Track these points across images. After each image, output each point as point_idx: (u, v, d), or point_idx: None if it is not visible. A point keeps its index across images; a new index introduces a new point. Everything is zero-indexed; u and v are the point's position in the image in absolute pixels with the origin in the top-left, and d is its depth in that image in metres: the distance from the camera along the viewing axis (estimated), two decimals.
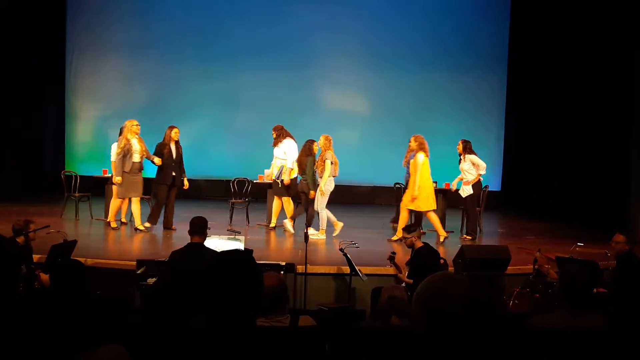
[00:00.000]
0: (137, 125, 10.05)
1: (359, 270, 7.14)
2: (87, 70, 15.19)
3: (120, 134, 10.61)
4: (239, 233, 9.11)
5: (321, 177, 9.89)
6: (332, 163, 9.84)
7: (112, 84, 15.28)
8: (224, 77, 15.02)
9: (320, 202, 9.90)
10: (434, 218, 9.88)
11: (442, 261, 7.11)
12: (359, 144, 15.04)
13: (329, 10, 15.03)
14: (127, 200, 10.16)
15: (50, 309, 3.82)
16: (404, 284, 6.69)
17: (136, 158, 9.94)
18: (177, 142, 10.33)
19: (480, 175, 10.40)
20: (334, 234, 9.97)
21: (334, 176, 9.98)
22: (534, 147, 14.19)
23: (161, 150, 10.16)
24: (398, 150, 14.92)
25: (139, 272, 6.88)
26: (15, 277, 5.69)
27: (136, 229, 10.01)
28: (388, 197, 12.81)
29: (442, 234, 9.92)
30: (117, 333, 3.49)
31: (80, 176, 11.50)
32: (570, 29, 12.93)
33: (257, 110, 14.73)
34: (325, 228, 10.02)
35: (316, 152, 10.25)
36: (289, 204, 10.52)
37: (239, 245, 7.05)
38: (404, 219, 9.84)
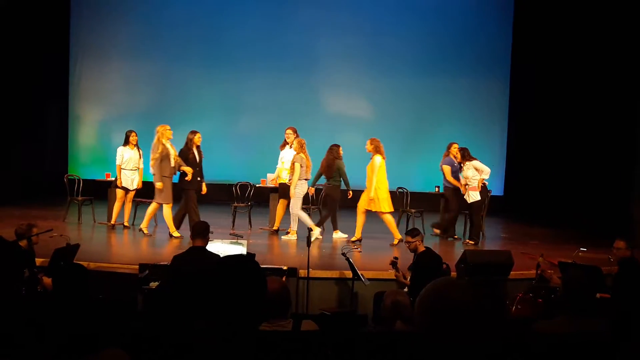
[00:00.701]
0: (169, 130, 10.01)
1: (362, 274, 7.13)
2: (90, 74, 15.22)
3: (126, 140, 10.61)
4: (242, 237, 9.13)
5: (292, 180, 10.03)
6: (301, 166, 9.92)
7: (115, 87, 15.31)
8: (227, 81, 15.05)
9: (294, 204, 10.02)
10: (390, 220, 10.11)
11: (444, 266, 7.10)
12: (361, 148, 14.98)
13: (332, 15, 15.05)
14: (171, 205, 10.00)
15: (53, 313, 3.82)
16: (406, 289, 6.69)
17: (172, 162, 9.90)
18: (198, 147, 10.30)
19: (484, 179, 10.41)
20: (286, 237, 10.16)
21: (305, 179, 10.05)
22: (537, 151, 14.18)
23: (186, 156, 10.10)
24: (401, 155, 14.97)
25: (141, 276, 6.88)
26: (18, 280, 5.70)
27: (140, 229, 10.06)
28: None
29: (397, 236, 10.02)
30: (119, 337, 3.49)
31: (83, 180, 11.51)
32: (574, 32, 12.93)
33: (260, 114, 14.76)
34: (296, 229, 10.15)
35: (342, 156, 10.46)
36: None
37: (242, 249, 7.04)
38: (361, 222, 10.14)
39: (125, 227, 10.59)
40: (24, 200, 13.07)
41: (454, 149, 10.81)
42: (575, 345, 3.37)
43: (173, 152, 9.93)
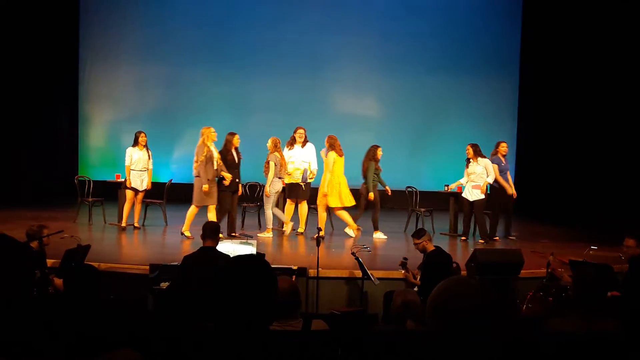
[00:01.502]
0: (214, 132, 9.99)
1: (371, 274, 7.13)
2: (100, 76, 15.31)
3: (135, 140, 10.62)
4: (251, 237, 9.14)
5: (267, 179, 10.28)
6: (275, 165, 10.10)
7: (125, 89, 15.39)
8: (235, 82, 15.09)
9: (266, 202, 10.24)
10: (344, 214, 10.32)
11: (454, 265, 7.08)
12: (368, 146, 15.00)
13: (339, 14, 15.06)
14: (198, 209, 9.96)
15: (64, 314, 3.84)
16: (415, 289, 6.67)
17: (215, 165, 9.85)
18: (236, 148, 10.26)
19: (489, 182, 10.37)
20: (286, 233, 10.29)
21: (280, 177, 10.22)
22: (547, 149, 14.12)
23: (225, 157, 10.09)
24: (410, 154, 14.95)
25: (151, 276, 6.90)
26: (30, 281, 5.74)
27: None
28: (399, 201, 12.76)
29: (353, 227, 10.22)
30: (130, 337, 3.50)
31: (93, 181, 11.56)
32: (583, 29, 12.87)
33: (268, 114, 14.76)
34: (271, 227, 10.29)
35: (380, 157, 10.52)
36: (305, 206, 10.55)
37: (251, 249, 7.06)
38: (322, 219, 10.32)
39: (135, 227, 10.62)
40: (35, 202, 13.15)
41: (502, 148, 10.64)
42: (586, 344, 3.36)
43: (217, 155, 9.93)
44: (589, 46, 12.74)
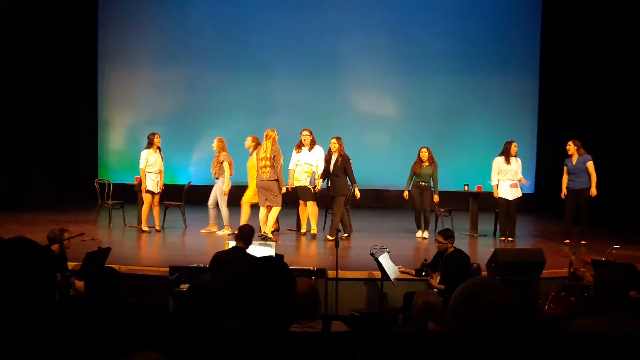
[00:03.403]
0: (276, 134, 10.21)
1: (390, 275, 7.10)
2: (119, 79, 15.42)
3: (150, 143, 10.60)
4: (270, 238, 9.14)
5: (223, 178, 10.49)
6: (229, 164, 10.45)
7: (143, 92, 15.48)
8: (253, 84, 15.12)
9: (222, 200, 10.54)
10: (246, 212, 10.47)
11: (474, 265, 7.03)
12: (388, 147, 15.00)
13: (358, 14, 15.05)
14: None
15: (85, 316, 3.86)
16: (435, 290, 6.62)
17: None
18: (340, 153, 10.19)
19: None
20: (204, 230, 10.61)
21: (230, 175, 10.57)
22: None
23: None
24: None
25: (171, 278, 6.94)
26: (51, 284, 5.78)
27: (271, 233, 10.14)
28: None
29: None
30: (151, 339, 3.51)
31: (113, 184, 11.62)
32: (604, 27, 12.73)
33: (287, 115, 14.74)
34: (229, 224, 10.49)
35: (422, 157, 10.73)
36: (315, 208, 10.49)
37: (270, 251, 7.07)
38: (245, 214, 10.42)
39: (156, 231, 10.63)
40: (55, 205, 13.27)
41: (569, 147, 10.42)
42: (608, 345, 3.31)
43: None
44: (609, 44, 12.60)
